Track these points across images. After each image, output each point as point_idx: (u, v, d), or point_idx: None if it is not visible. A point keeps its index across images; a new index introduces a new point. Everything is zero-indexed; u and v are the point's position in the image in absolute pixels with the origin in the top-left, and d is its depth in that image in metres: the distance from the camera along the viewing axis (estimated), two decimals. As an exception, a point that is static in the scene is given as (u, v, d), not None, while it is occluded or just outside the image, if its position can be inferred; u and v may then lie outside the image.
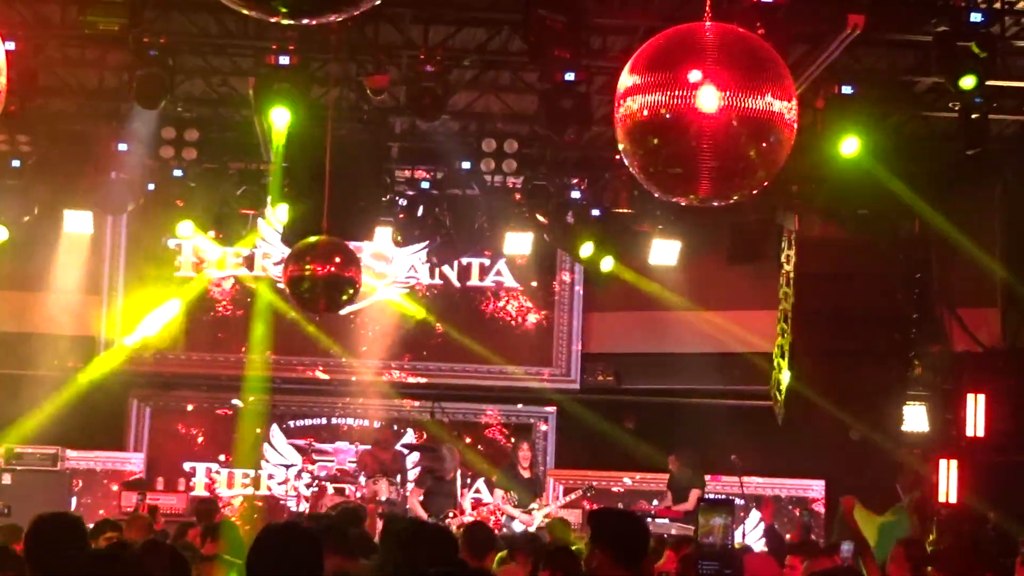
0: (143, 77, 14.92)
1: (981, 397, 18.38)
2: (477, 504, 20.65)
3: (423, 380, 22.11)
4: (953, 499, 18.26)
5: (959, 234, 17.95)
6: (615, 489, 20.72)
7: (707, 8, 7.64)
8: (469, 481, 20.95)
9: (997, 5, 14.18)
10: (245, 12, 5.54)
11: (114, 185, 18.19)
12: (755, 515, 19.63)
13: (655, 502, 19.86)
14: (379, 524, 15.74)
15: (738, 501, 18.82)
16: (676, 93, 7.45)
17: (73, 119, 18.00)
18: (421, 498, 18.44)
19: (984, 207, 18.27)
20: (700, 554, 9.78)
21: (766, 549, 16.01)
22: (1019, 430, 18.34)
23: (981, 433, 18.32)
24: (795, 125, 7.64)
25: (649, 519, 18.00)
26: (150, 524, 13.88)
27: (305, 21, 5.51)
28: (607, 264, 19.73)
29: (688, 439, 19.59)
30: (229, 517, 19.62)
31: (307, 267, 17.16)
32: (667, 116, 7.48)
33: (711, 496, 18.90)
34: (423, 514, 17.78)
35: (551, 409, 22.17)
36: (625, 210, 18.73)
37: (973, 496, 18.03)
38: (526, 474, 18.81)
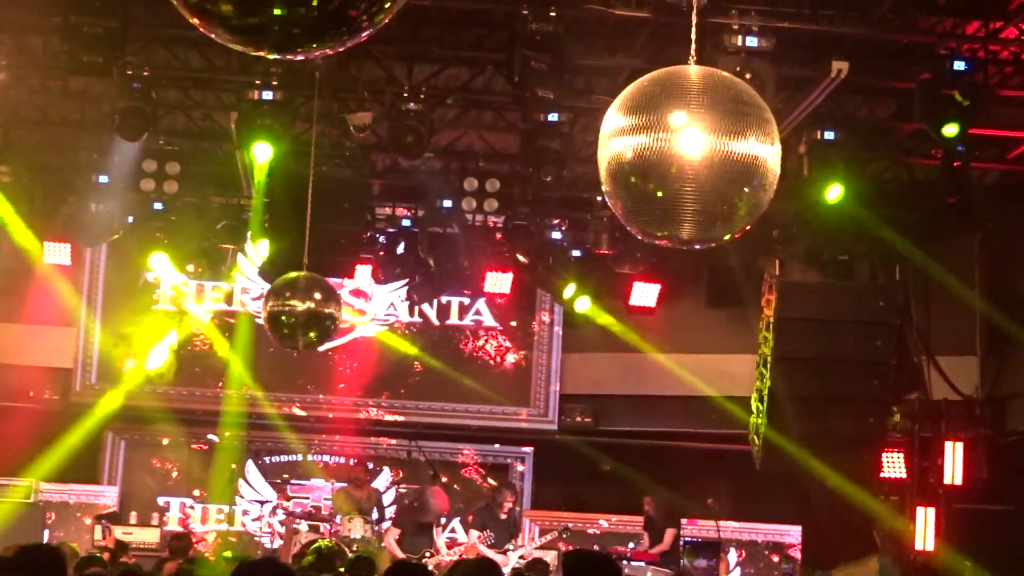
0: (126, 110, 14.92)
1: (959, 445, 18.39)
2: (452, 544, 20.55)
3: (400, 418, 22.02)
4: (930, 547, 18.24)
5: (939, 281, 17.98)
6: (591, 531, 20.63)
7: (692, 51, 7.63)
8: (444, 521, 20.83)
9: (981, 54, 14.24)
10: (230, 46, 5.51)
11: (93, 217, 18.12)
12: (733, 557, 19.60)
13: (631, 544, 19.78)
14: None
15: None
16: (659, 135, 7.43)
17: (54, 150, 17.93)
18: (398, 536, 18.35)
19: (965, 255, 18.29)
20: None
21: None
22: (996, 479, 18.35)
23: (959, 481, 18.32)
24: (778, 170, 7.62)
25: (625, 562, 17.94)
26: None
27: (290, 56, 5.48)
28: (583, 305, 19.77)
29: (665, 482, 19.56)
30: (203, 553, 19.50)
31: (286, 303, 17.11)
32: (650, 158, 7.47)
33: (694, 539, 18.87)
34: (399, 553, 17.68)
35: (528, 449, 22.11)
36: (606, 251, 18.73)
37: (949, 544, 18.03)
38: (503, 516, 18.76)
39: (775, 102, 14.23)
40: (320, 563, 11.95)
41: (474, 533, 18.69)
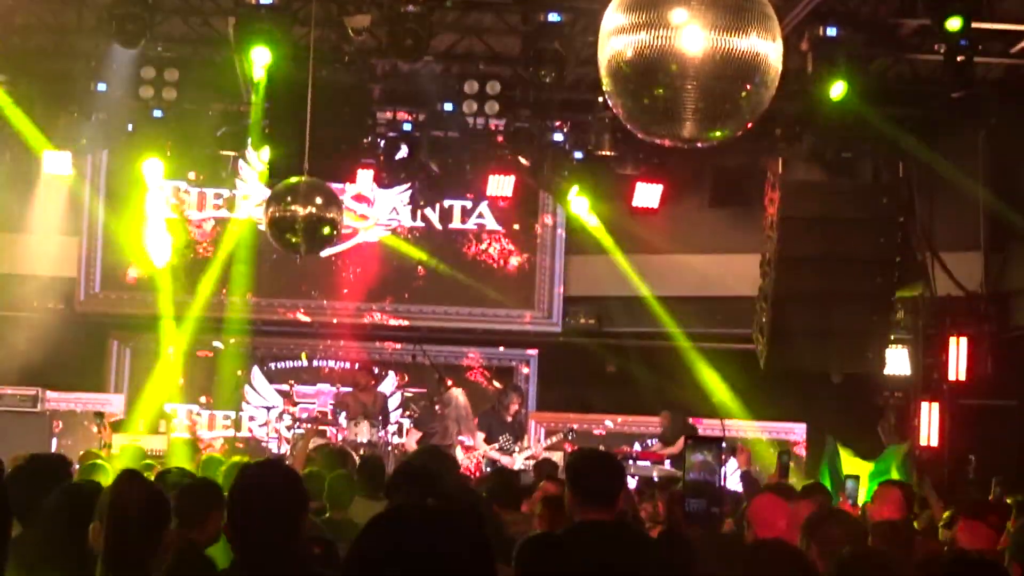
0: (122, 16, 14.78)
1: (963, 341, 18.43)
2: (468, 449, 20.65)
3: (405, 322, 22.08)
4: (935, 442, 18.33)
5: (944, 177, 17.94)
6: (596, 432, 20.73)
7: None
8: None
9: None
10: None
11: (93, 125, 18.05)
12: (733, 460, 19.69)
13: (636, 445, 19.88)
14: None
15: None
16: (660, 33, 7.37)
17: (51, 58, 17.81)
18: (419, 439, 18.41)
19: (969, 151, 18.22)
20: (686, 491, 9.73)
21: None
22: (1000, 374, 18.40)
23: (963, 377, 18.38)
24: (780, 67, 7.57)
25: (630, 462, 18.04)
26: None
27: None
28: (582, 206, 19.77)
29: (669, 382, 19.62)
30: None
31: (288, 208, 17.09)
32: (651, 56, 7.41)
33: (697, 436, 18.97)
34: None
35: (533, 352, 22.18)
36: (608, 153, 18.65)
37: (953, 440, 18.12)
38: (509, 418, 18.86)
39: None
40: (327, 465, 12.02)
41: (480, 435, 18.78)
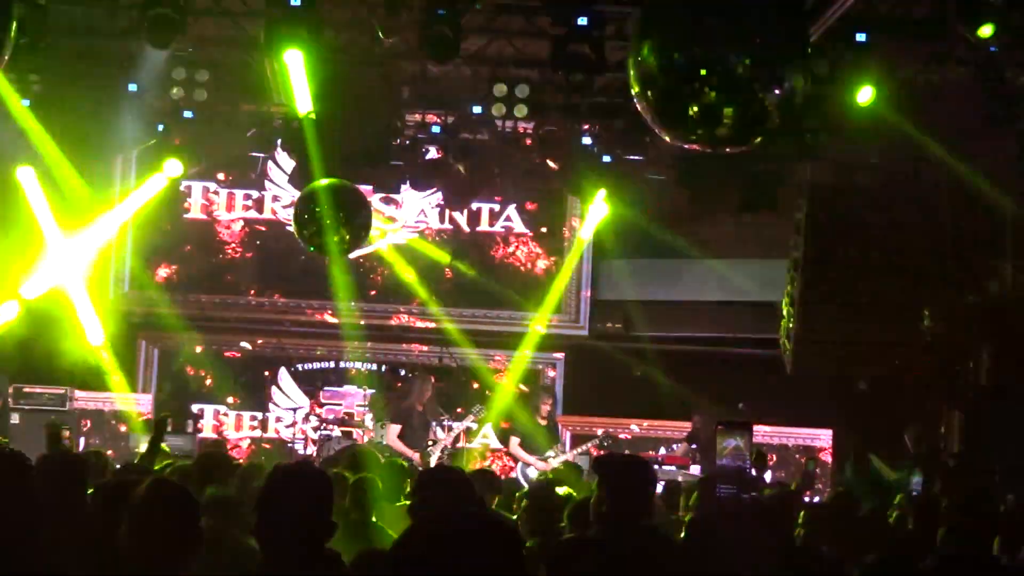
0: (155, 17, 14.83)
1: (990, 347, 18.38)
2: (494, 453, 20.62)
3: (431, 325, 22.11)
4: (956, 448, 18.29)
5: (972, 184, 17.88)
6: (623, 436, 20.71)
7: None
8: (476, 428, 20.94)
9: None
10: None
11: (123, 126, 18.12)
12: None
13: (662, 449, 19.88)
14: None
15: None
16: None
17: (83, 58, 17.87)
18: (399, 432, 18.27)
19: (999, 157, 18.15)
20: (717, 477, 9.71)
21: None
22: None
23: (988, 383, 18.33)
24: (810, 73, 7.59)
25: (656, 466, 18.02)
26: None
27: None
28: (603, 210, 19.69)
29: (696, 387, 19.60)
30: (237, 459, 19.67)
31: (317, 210, 17.17)
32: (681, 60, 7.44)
33: (725, 422, 18.91)
34: (406, 450, 17.65)
35: (559, 355, 22.18)
36: (637, 156, 18.65)
37: (979, 447, 18.05)
38: (543, 422, 18.66)
39: (805, 4, 14.12)
40: (353, 467, 12.03)
41: (514, 439, 18.62)
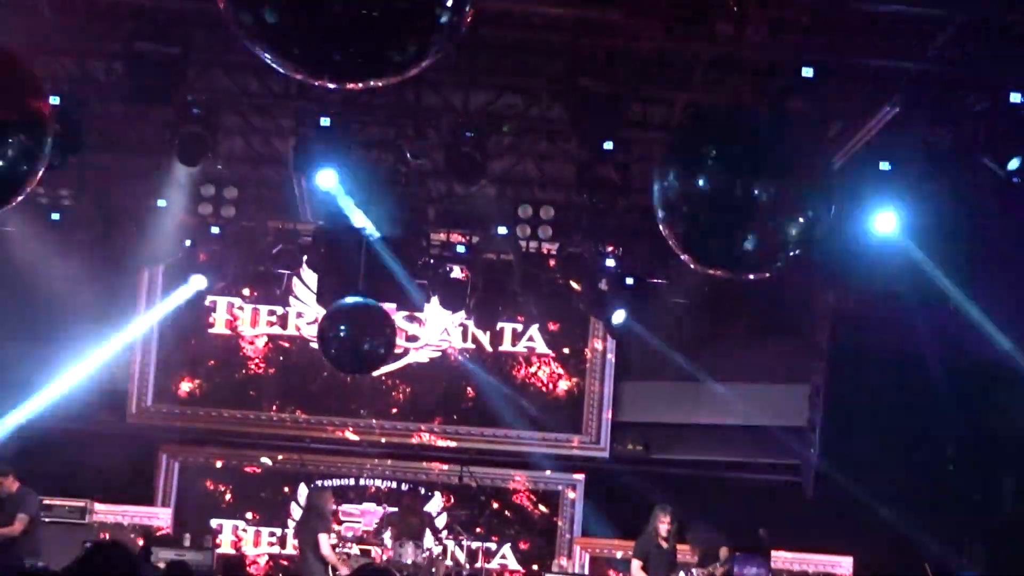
0: (186, 135, 15.02)
1: (1009, 482, 18.31)
2: (504, 571, 20.47)
3: (452, 444, 22.08)
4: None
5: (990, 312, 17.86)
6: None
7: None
8: (495, 548, 20.79)
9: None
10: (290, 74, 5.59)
11: (150, 241, 18.27)
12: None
13: (682, 574, 19.72)
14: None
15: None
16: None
17: (112, 174, 18.07)
18: (334, 542, 17.97)
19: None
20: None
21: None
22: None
23: (1014, 515, 18.24)
24: (834, 202, 7.66)
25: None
26: None
27: (349, 85, 5.55)
28: (632, 332, 19.61)
29: (716, 511, 19.49)
30: None
31: (341, 327, 17.25)
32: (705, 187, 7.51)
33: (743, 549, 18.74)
34: (334, 559, 17.44)
35: (580, 477, 22.09)
36: (659, 280, 18.72)
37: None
38: (664, 544, 17.59)
39: (831, 132, 14.25)
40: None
41: (635, 563, 17.68)
